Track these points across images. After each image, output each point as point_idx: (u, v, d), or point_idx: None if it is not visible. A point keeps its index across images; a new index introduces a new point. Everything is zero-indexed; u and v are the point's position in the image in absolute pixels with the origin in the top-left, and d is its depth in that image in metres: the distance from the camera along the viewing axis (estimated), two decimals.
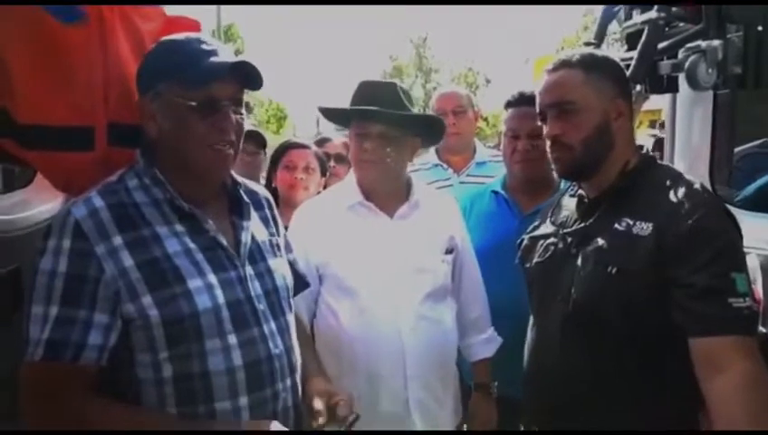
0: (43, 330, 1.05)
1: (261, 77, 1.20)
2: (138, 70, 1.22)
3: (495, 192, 2.18)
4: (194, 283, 1.13)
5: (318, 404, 1.26)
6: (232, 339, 1.15)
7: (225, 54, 1.19)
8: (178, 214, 1.17)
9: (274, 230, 1.39)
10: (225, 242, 1.21)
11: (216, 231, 1.20)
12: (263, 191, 1.44)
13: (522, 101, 2.03)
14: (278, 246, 1.37)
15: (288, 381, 1.24)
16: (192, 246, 1.16)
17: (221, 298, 1.15)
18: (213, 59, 1.16)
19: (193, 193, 1.20)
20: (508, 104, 2.10)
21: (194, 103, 1.14)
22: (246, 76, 1.20)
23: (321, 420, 1.22)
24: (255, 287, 1.23)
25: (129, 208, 1.14)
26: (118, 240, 1.10)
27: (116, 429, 1.08)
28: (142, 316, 1.09)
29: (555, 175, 2.09)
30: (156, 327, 1.09)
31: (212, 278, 1.16)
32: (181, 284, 1.12)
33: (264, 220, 1.37)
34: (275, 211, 1.44)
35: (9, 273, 1.37)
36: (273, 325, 1.23)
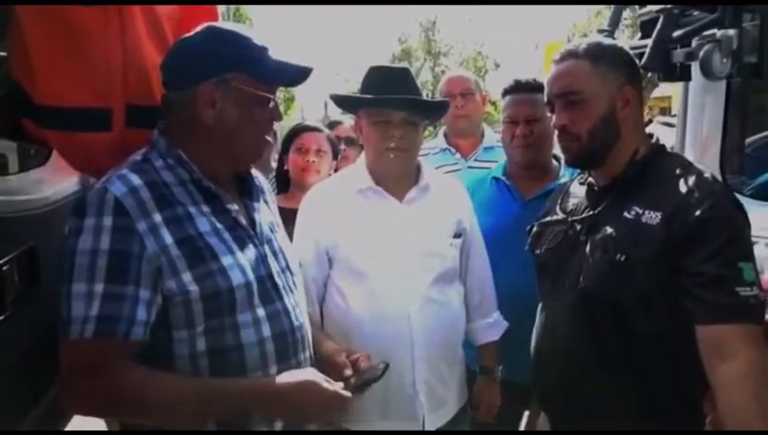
0: (90, 307, 1.06)
1: (306, 80, 1.29)
2: (193, 55, 1.21)
3: (496, 178, 2.20)
4: (226, 260, 1.18)
5: (341, 357, 1.36)
6: (261, 312, 1.21)
7: (276, 52, 1.23)
8: (203, 194, 1.21)
9: (275, 212, 1.46)
10: (244, 222, 1.26)
11: (237, 212, 1.25)
12: (260, 176, 1.48)
13: (518, 89, 2.09)
14: (280, 227, 1.44)
15: (307, 353, 1.32)
16: (219, 225, 1.21)
17: (251, 274, 1.21)
18: (276, 57, 1.22)
19: (215, 176, 1.24)
20: (505, 92, 2.15)
21: (271, 96, 1.24)
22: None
23: (347, 372, 1.31)
24: (274, 265, 1.28)
25: (161, 187, 1.17)
26: (158, 217, 1.13)
27: (179, 398, 1.10)
28: (183, 292, 1.12)
29: (555, 161, 2.13)
30: (195, 302, 1.13)
31: (240, 256, 1.21)
32: (216, 260, 1.17)
33: (267, 203, 1.43)
34: (272, 195, 1.51)
35: (24, 253, 1.39)
36: (292, 299, 1.30)
